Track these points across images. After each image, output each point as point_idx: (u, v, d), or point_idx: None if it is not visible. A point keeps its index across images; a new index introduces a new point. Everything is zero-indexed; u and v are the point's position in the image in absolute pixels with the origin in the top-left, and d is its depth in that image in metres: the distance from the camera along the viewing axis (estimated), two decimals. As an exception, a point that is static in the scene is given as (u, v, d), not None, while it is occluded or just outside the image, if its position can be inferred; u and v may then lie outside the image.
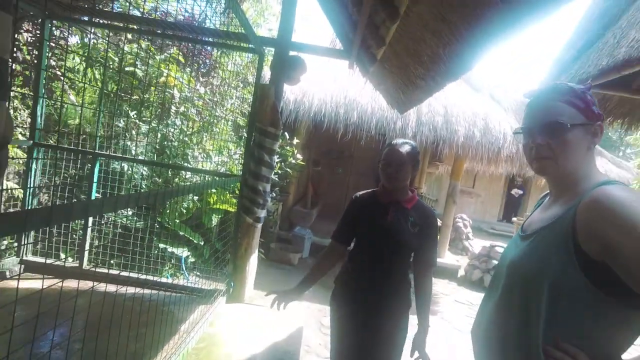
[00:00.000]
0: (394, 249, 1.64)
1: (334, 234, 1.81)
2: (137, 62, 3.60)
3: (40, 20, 2.82)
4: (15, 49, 3.29)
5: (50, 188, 3.25)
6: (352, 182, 8.92)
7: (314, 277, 1.82)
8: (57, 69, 3.79)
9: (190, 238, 3.87)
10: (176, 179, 3.89)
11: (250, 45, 2.84)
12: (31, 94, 2.90)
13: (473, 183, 12.27)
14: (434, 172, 9.79)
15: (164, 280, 2.99)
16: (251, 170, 2.79)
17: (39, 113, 2.72)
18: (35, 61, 3.24)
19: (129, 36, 3.71)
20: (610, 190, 0.85)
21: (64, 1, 2.66)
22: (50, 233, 3.02)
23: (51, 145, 2.97)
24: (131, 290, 2.36)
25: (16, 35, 3.45)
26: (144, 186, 3.58)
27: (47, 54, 2.79)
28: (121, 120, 3.30)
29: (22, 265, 2.81)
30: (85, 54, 3.66)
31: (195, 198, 3.82)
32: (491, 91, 6.47)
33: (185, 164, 3.75)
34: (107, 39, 3.21)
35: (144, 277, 2.85)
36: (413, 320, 1.69)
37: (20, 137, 3.15)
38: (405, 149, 1.65)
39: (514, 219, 9.29)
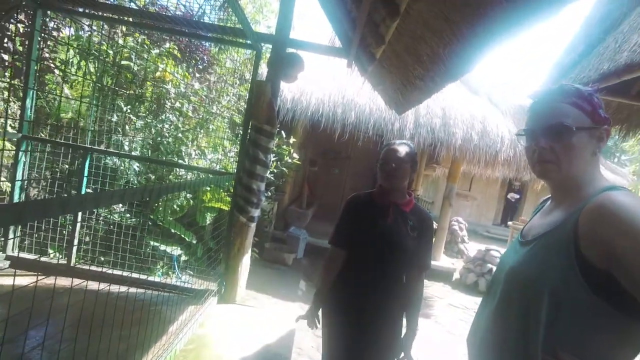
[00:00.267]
0: (393, 252, 1.61)
1: (334, 240, 1.74)
2: (132, 56, 3.54)
3: (32, 10, 2.75)
4: (6, 40, 3.21)
5: (39, 182, 3.18)
6: (349, 183, 8.88)
7: (326, 288, 1.74)
8: (51, 61, 3.71)
9: (183, 236, 3.81)
10: (170, 176, 3.83)
11: (247, 42, 2.79)
12: (22, 85, 2.83)
13: (470, 186, 12.28)
14: (431, 174, 9.78)
15: (154, 279, 2.93)
16: (246, 169, 2.74)
17: (28, 105, 2.65)
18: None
19: (124, 29, 3.65)
20: (615, 196, 0.82)
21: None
22: (38, 229, 2.95)
23: (41, 138, 2.91)
24: (121, 289, 2.30)
25: (8, 25, 3.37)
26: (136, 183, 3.51)
27: (39, 46, 2.73)
28: (114, 115, 3.23)
29: (9, 262, 2.74)
30: (79, 47, 3.60)
31: (189, 196, 3.75)
32: (489, 94, 6.45)
33: (180, 161, 3.69)
34: (100, 30, 3.14)
35: (134, 275, 2.79)
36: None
37: (10, 130, 3.08)
38: (404, 149, 1.64)
39: (510, 223, 9.31)
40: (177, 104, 3.57)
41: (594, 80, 2.23)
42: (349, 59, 2.97)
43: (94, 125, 3.39)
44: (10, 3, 2.99)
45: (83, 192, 2.81)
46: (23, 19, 3.71)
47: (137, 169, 3.43)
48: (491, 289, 1.06)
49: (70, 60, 3.78)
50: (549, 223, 0.95)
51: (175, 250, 3.70)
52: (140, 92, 3.65)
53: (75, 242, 2.80)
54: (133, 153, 3.35)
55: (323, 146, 8.27)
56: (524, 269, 0.92)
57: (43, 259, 2.87)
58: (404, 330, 1.71)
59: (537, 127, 0.96)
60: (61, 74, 3.67)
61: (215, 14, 3.15)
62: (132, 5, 3.54)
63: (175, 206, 3.73)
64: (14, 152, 2.78)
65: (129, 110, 3.33)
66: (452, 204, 6.28)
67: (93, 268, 2.85)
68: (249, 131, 2.76)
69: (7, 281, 2.41)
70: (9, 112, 3.30)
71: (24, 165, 2.72)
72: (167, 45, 3.62)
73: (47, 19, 3.64)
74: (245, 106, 2.99)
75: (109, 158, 3.17)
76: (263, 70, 4.49)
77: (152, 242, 3.54)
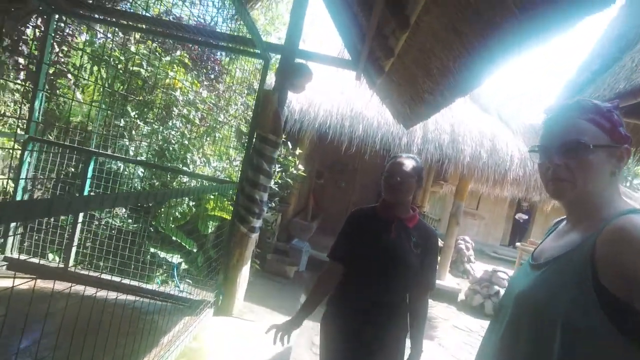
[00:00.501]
0: (395, 268, 1.54)
1: (333, 253, 1.67)
2: (143, 63, 3.57)
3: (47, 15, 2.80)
4: (20, 42, 3.27)
5: (43, 184, 3.18)
6: (355, 197, 8.80)
7: (314, 303, 1.67)
8: (64, 66, 3.77)
9: (184, 244, 3.75)
10: (174, 183, 3.81)
11: (256, 51, 2.79)
12: (32, 87, 2.86)
13: (477, 205, 12.09)
14: (438, 191, 9.65)
15: (150, 287, 2.87)
16: (249, 178, 2.70)
17: (37, 107, 2.67)
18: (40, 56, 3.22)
19: (137, 36, 3.70)
20: (637, 220, 0.75)
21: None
22: (38, 230, 2.93)
23: (46, 140, 2.91)
24: (114, 295, 2.25)
25: (24, 29, 3.44)
26: (140, 188, 3.50)
27: (53, 50, 2.77)
28: (122, 120, 3.24)
29: (6, 263, 2.72)
30: (92, 52, 3.65)
31: (192, 203, 3.72)
32: (499, 112, 6.38)
33: (184, 168, 3.68)
34: (113, 37, 3.18)
35: (129, 282, 2.73)
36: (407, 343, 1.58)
37: (19, 132, 3.11)
38: (410, 162, 1.59)
39: (518, 244, 9.09)
40: (185, 111, 3.57)
41: (609, 100, 2.16)
42: (357, 72, 2.95)
43: (101, 130, 3.41)
44: (28, 8, 3.05)
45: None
46: (40, 24, 3.80)
47: (141, 174, 3.42)
48: (499, 314, 0.99)
49: (84, 66, 3.84)
50: (563, 246, 0.88)
51: (176, 258, 3.65)
52: (150, 98, 3.67)
53: (74, 245, 2.76)
54: (138, 158, 3.34)
55: (330, 159, 8.24)
56: (535, 294, 0.85)
57: (42, 262, 2.83)
58: (407, 352, 1.62)
59: (551, 143, 0.90)
60: (73, 78, 3.71)
61: (226, 25, 3.17)
62: (146, 14, 3.60)
63: (177, 213, 3.69)
64: (20, 152, 2.79)
65: (136, 116, 3.33)
66: (459, 222, 6.15)
67: (89, 273, 2.80)
68: (253, 140, 2.73)
69: (3, 283, 2.37)
70: (21, 114, 3.33)
71: (28, 166, 2.72)
72: (178, 53, 3.65)
73: (63, 25, 3.71)
74: (252, 115, 2.96)
75: (113, 162, 3.16)
76: (271, 79, 4.52)
77: (152, 249, 3.50)
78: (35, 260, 2.79)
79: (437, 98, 2.16)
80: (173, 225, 3.76)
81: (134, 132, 3.38)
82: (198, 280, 3.60)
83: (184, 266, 3.80)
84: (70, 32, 3.88)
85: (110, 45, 3.48)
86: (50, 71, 3.47)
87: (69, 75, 3.73)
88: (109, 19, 3.02)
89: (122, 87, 3.67)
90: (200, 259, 3.93)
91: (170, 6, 4.89)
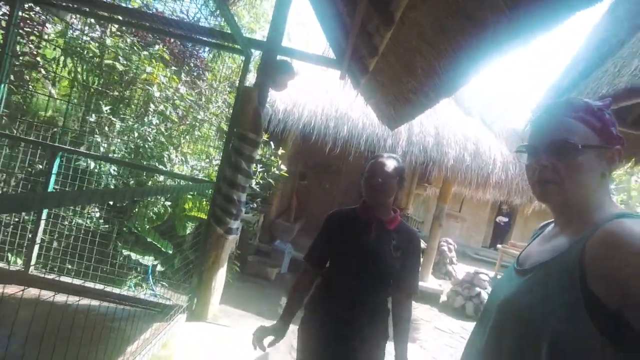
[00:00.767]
0: (373, 270, 1.48)
1: (310, 256, 1.62)
2: (119, 57, 3.40)
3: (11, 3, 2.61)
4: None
5: (6, 181, 2.97)
6: (339, 198, 8.74)
7: (293, 309, 1.60)
8: (33, 57, 3.55)
9: (159, 246, 3.59)
10: (150, 182, 3.64)
11: (236, 46, 2.68)
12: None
13: (460, 207, 12.24)
14: (422, 193, 9.70)
15: (117, 291, 2.72)
16: (226, 177, 2.58)
17: (-3, 98, 2.48)
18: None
19: (114, 29, 3.53)
20: (628, 225, 0.70)
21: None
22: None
23: (7, 134, 2.72)
24: (77, 300, 2.10)
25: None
26: (112, 187, 3.32)
27: (20, 40, 2.59)
28: (93, 115, 3.06)
29: (-40, 266, 2.52)
30: (65, 44, 3.45)
31: (167, 203, 3.57)
32: (483, 115, 6.44)
33: (161, 167, 3.52)
34: (84, 28, 3.01)
35: (94, 285, 2.57)
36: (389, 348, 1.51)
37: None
38: (391, 162, 1.52)
39: (499, 246, 9.23)
40: (162, 107, 3.42)
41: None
42: (342, 71, 2.88)
43: (74, 125, 3.22)
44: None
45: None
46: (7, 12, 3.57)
47: (113, 172, 3.25)
48: (482, 321, 0.94)
49: (57, 58, 3.63)
50: (550, 250, 0.83)
51: (150, 261, 3.49)
52: (125, 93, 3.50)
53: (36, 247, 2.58)
54: (111, 156, 3.17)
55: (314, 159, 8.15)
56: (519, 301, 0.81)
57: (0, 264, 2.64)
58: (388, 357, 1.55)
59: (539, 143, 0.86)
60: (44, 71, 3.50)
61: (207, 21, 3.05)
62: (122, 4, 3.44)
63: (152, 214, 3.53)
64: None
65: (108, 111, 3.16)
66: (442, 225, 6.16)
67: (51, 276, 2.62)
68: (232, 138, 2.62)
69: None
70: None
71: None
72: (157, 47, 3.50)
73: (33, 14, 3.50)
74: (231, 112, 2.85)
75: (82, 160, 2.99)
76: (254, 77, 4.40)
77: (124, 251, 3.33)
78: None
79: (421, 98, 2.11)
80: (148, 226, 3.60)
81: (107, 128, 3.21)
82: (174, 284, 3.45)
83: (159, 268, 3.64)
84: (41, 22, 3.67)
85: (85, 38, 3.30)
86: (17, 62, 3.26)
87: (39, 68, 3.52)
88: (80, 8, 2.85)
89: (97, 81, 3.48)
90: (177, 261, 3.78)
91: (150, 0, 4.71)
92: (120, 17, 2.95)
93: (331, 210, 1.69)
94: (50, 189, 2.58)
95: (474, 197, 7.58)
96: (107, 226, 3.29)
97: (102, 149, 3.08)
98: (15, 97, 3.37)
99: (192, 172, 3.81)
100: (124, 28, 3.71)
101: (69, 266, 2.92)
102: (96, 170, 3.04)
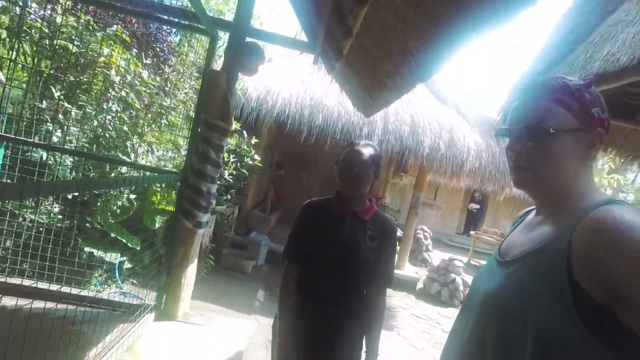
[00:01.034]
0: (350, 265, 1.41)
1: (289, 253, 1.51)
2: (73, 38, 3.11)
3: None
4: None
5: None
6: (317, 189, 8.67)
7: (287, 317, 1.47)
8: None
9: (125, 241, 3.38)
10: (113, 174, 3.41)
11: (200, 26, 2.49)
12: None
13: (435, 195, 12.49)
14: (398, 182, 9.79)
15: (80, 292, 2.53)
16: (194, 168, 2.42)
17: None
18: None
19: (65, 4, 3.22)
20: (617, 213, 0.65)
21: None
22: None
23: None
24: (33, 303, 1.92)
25: None
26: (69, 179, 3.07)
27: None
28: (43, 102, 2.79)
29: None
30: (10, 22, 3.12)
31: (132, 196, 3.35)
32: (457, 105, 6.50)
33: (124, 157, 3.29)
34: (30, 5, 2.72)
35: (49, 286, 2.37)
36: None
37: None
38: (368, 151, 1.44)
39: (472, 232, 9.49)
40: (123, 94, 3.18)
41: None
42: (315, 54, 2.75)
43: (23, 113, 2.94)
44: None
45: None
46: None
47: (70, 164, 3.00)
48: (465, 310, 0.90)
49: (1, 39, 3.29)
50: (533, 240, 0.78)
51: (116, 257, 3.28)
52: (81, 78, 3.22)
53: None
54: (67, 146, 2.92)
55: (291, 149, 8.01)
56: (503, 295, 0.76)
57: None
58: (363, 355, 1.49)
59: (514, 127, 0.81)
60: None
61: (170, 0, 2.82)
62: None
63: (115, 207, 3.31)
64: None
65: (61, 97, 2.90)
66: (418, 213, 6.22)
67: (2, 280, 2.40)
68: (199, 126, 2.46)
69: None
70: None
71: None
72: (115, 28, 3.23)
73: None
74: (197, 98, 2.67)
75: (34, 151, 2.73)
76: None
77: (87, 248, 3.11)
78: None
79: (397, 82, 2.03)
80: (113, 221, 3.38)
81: (61, 116, 2.95)
82: (143, 281, 3.27)
83: (127, 265, 3.44)
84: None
85: (30, 15, 2.99)
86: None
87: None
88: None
89: (48, 65, 3.18)
90: (147, 257, 3.59)
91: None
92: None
93: (305, 201, 1.59)
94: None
95: (448, 185, 7.71)
96: (67, 222, 3.06)
97: (55, 138, 2.82)
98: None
99: (159, 163, 3.60)
100: (78, 6, 3.41)
101: (25, 267, 2.69)
102: (49, 161, 2.79)
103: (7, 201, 2.48)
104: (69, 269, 2.69)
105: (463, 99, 6.77)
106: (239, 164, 4.30)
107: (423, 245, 8.15)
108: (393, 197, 11.58)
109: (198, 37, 3.42)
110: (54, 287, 2.40)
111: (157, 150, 3.55)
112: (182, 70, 3.98)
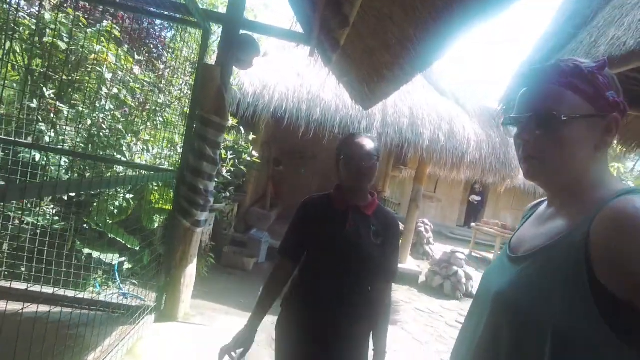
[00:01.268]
0: (354, 262, 1.38)
1: (284, 249, 1.48)
2: (62, 34, 3.03)
3: None
4: None
5: None
6: (316, 184, 8.62)
7: (265, 307, 1.46)
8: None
9: (123, 242, 3.34)
10: (109, 173, 3.35)
11: (191, 19, 2.42)
12: None
13: (435, 188, 12.46)
14: (398, 175, 9.75)
15: (77, 294, 2.48)
16: (190, 166, 2.37)
17: None
18: None
19: (54, 1, 3.14)
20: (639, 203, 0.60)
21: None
22: None
23: None
24: (26, 307, 1.87)
25: None
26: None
27: None
28: (34, 101, 2.73)
29: None
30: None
31: (129, 196, 3.30)
32: (456, 95, 6.43)
33: (118, 156, 3.23)
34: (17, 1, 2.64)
35: (41, 289, 2.31)
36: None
37: None
38: (371, 143, 1.43)
39: (473, 224, 9.47)
40: (115, 91, 3.11)
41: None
42: (311, 46, 2.68)
43: (15, 113, 2.87)
44: None
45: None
46: None
47: (64, 164, 2.95)
48: (474, 313, 0.85)
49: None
50: (546, 234, 0.73)
51: (115, 258, 3.24)
52: (73, 76, 3.15)
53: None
54: (60, 147, 2.85)
55: (289, 145, 7.94)
56: (516, 294, 0.72)
57: None
58: (371, 352, 1.46)
59: (523, 115, 0.75)
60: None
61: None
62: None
63: (113, 208, 3.25)
64: None
65: (52, 96, 2.83)
66: (419, 206, 6.19)
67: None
68: (194, 122, 2.40)
69: None
70: None
71: None
72: (105, 24, 3.15)
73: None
74: (191, 94, 2.60)
75: (26, 151, 2.67)
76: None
77: (85, 250, 3.07)
78: None
79: (396, 72, 1.97)
80: (110, 222, 3.33)
81: (52, 115, 2.88)
82: (144, 281, 3.23)
83: (127, 266, 3.40)
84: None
85: (20, 13, 2.91)
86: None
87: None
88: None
89: (40, 63, 3.11)
90: (147, 257, 3.55)
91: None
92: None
93: (305, 197, 1.55)
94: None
95: (448, 178, 7.66)
96: (63, 224, 3.01)
97: (47, 138, 2.76)
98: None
99: (155, 162, 3.54)
100: (67, 3, 3.32)
101: (22, 270, 2.64)
102: (42, 162, 2.74)
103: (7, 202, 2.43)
104: (67, 271, 2.64)
105: (462, 89, 6.70)
106: (236, 160, 4.25)
107: (424, 238, 8.13)
108: (393, 191, 11.54)
109: (191, 32, 3.34)
110: (47, 289, 2.35)
111: (153, 149, 3.49)
112: (176, 66, 3.90)
